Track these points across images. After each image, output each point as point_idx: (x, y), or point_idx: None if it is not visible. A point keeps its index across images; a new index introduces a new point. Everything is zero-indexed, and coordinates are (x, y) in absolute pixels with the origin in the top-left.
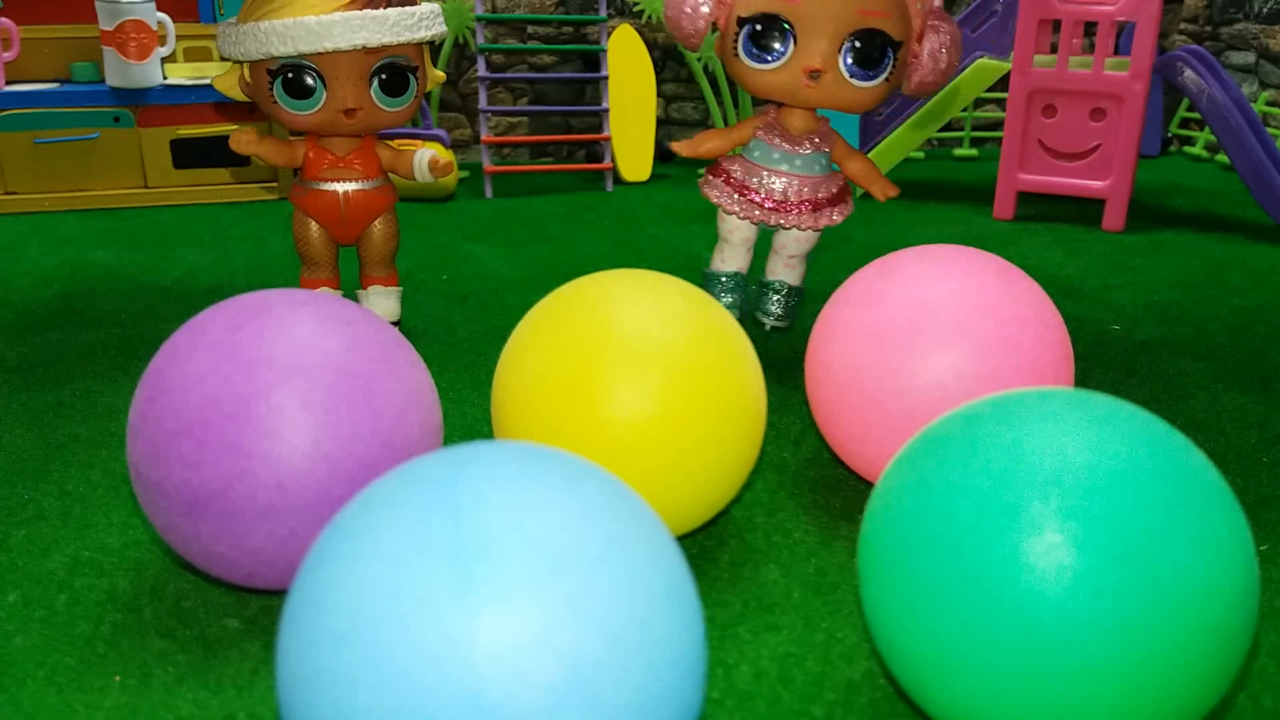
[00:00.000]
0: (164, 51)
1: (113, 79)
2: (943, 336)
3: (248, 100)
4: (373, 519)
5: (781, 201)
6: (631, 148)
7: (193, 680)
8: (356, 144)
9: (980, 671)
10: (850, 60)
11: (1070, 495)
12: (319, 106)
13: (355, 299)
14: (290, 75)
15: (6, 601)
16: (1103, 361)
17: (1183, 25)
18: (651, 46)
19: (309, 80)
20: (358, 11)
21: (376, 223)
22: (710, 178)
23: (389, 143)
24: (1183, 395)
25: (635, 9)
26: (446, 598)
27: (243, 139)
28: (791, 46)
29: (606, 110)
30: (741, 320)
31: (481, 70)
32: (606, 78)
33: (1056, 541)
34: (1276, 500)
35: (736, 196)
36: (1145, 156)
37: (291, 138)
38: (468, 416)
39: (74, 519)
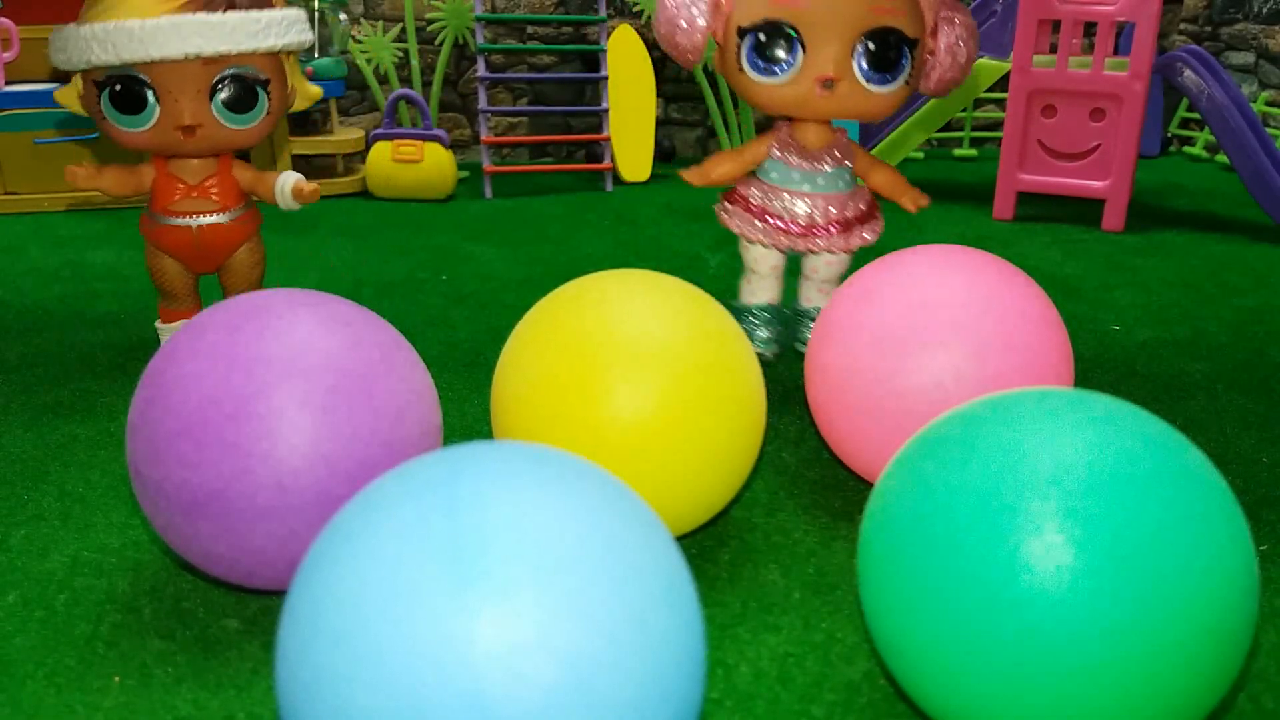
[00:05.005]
0: None
1: None
2: (942, 336)
3: (88, 115)
4: (372, 519)
5: (808, 225)
6: (631, 148)
7: (192, 680)
8: (211, 167)
9: (980, 671)
10: (865, 64)
11: (1070, 495)
12: (152, 123)
13: None
14: (118, 87)
15: (6, 602)
16: (1103, 361)
17: (1183, 25)
18: (651, 46)
19: (139, 93)
20: (189, 15)
21: (239, 251)
22: (728, 205)
23: (248, 163)
24: (1183, 395)
25: (635, 9)
26: (446, 598)
27: (79, 174)
28: (800, 55)
29: (606, 110)
30: (781, 353)
31: (481, 70)
32: (606, 78)
33: (1056, 542)
34: (1276, 500)
35: (758, 224)
36: (1145, 156)
37: (139, 164)
38: (468, 416)
39: (73, 519)
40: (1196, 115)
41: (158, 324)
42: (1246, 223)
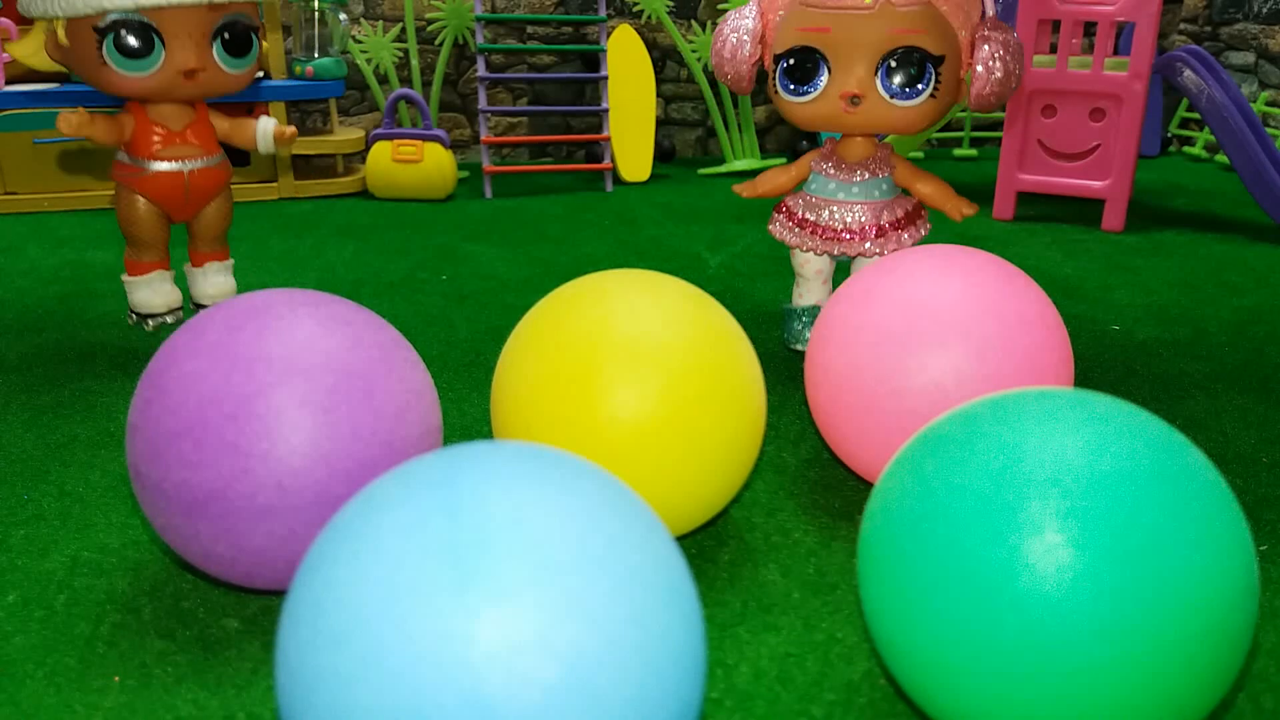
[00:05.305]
0: None
1: None
2: (942, 336)
3: (62, 68)
4: (372, 519)
5: (843, 229)
6: (631, 148)
7: (192, 680)
8: (190, 115)
9: (980, 671)
10: (887, 80)
11: (1070, 495)
12: (156, 67)
13: (184, 276)
14: (124, 32)
15: (6, 601)
16: (1103, 361)
17: (1183, 25)
18: (651, 46)
19: (148, 38)
20: None
21: (215, 199)
22: (776, 216)
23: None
24: (1183, 395)
25: (635, 9)
26: (446, 598)
27: (73, 120)
28: (827, 75)
29: (606, 110)
30: None
31: (481, 70)
32: (606, 78)
33: (1056, 542)
34: (1276, 500)
35: (799, 230)
36: (1145, 156)
37: (117, 112)
38: (468, 416)
39: (73, 519)
40: (1196, 115)
41: (124, 277)
42: (1246, 223)
